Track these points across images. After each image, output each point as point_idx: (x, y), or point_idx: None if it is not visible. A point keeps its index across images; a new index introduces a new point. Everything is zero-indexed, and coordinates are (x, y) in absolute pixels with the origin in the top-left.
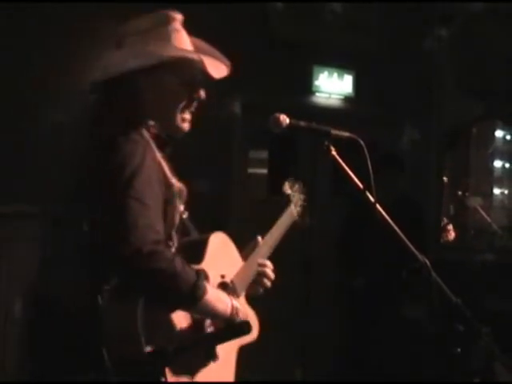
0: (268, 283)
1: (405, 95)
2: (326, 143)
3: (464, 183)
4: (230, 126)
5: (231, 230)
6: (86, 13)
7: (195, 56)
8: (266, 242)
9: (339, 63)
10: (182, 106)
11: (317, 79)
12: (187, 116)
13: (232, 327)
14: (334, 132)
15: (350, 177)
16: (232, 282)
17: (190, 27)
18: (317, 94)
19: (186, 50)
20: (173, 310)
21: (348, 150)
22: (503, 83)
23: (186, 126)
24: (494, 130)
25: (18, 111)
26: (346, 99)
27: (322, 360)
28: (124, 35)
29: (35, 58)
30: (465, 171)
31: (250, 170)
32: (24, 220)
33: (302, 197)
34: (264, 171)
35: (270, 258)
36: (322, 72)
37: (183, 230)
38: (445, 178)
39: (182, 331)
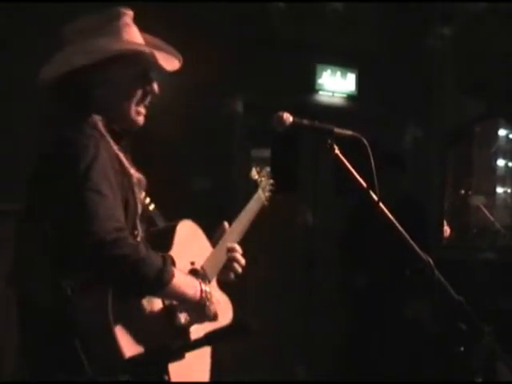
0: (239, 268)
1: (407, 94)
2: (329, 142)
3: (467, 182)
4: (232, 125)
5: None
6: (86, 13)
7: (145, 49)
8: (235, 229)
9: (342, 62)
10: (135, 99)
11: (320, 77)
12: (142, 109)
13: (233, 326)
14: (337, 130)
15: (353, 176)
16: (202, 268)
17: (193, 27)
18: (320, 92)
19: (136, 43)
20: (141, 296)
21: (351, 148)
22: (505, 82)
23: (140, 119)
24: (497, 129)
25: (19, 110)
26: (349, 98)
27: (323, 359)
28: (73, 32)
29: (35, 57)
30: (468, 170)
31: None
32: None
33: (269, 181)
34: (267, 170)
35: (271, 255)
36: (325, 70)
37: (150, 221)
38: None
39: (154, 318)
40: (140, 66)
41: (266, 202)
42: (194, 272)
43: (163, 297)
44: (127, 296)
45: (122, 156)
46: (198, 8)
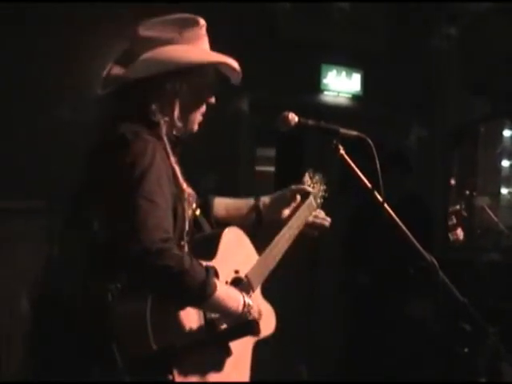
0: (326, 222)
1: (412, 94)
2: (335, 142)
3: (471, 183)
4: (237, 124)
5: None
6: (86, 13)
7: (229, 61)
8: (283, 235)
9: (347, 62)
10: (202, 109)
11: (325, 77)
12: (201, 118)
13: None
14: (343, 131)
15: (358, 176)
16: (246, 276)
17: None
18: (325, 92)
19: (218, 55)
20: (182, 307)
21: (356, 148)
22: (509, 82)
23: (196, 127)
24: (502, 130)
25: (19, 110)
26: (354, 98)
27: (324, 359)
28: (151, 34)
29: (35, 57)
30: (472, 171)
31: (258, 168)
32: (26, 217)
33: (322, 188)
34: (271, 169)
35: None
36: (331, 70)
37: (196, 227)
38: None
39: (193, 330)
40: (211, 77)
41: (318, 209)
42: (237, 281)
43: (205, 309)
44: (167, 305)
45: (177, 168)
46: (204, 8)
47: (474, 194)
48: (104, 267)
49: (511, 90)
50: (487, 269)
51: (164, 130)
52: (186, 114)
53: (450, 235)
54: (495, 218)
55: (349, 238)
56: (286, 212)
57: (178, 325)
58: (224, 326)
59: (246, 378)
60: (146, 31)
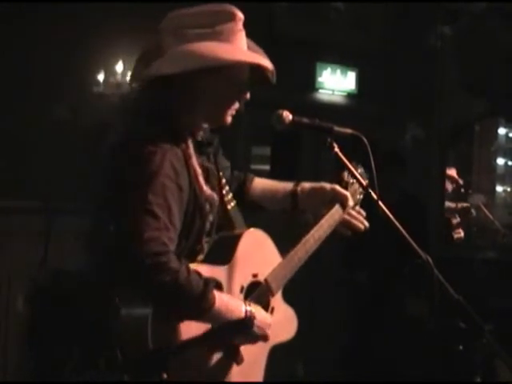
0: (360, 225)
1: (407, 93)
2: (329, 140)
3: (467, 181)
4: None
5: None
6: (86, 13)
7: (262, 61)
8: (313, 235)
9: (342, 60)
10: (234, 106)
11: (320, 76)
12: (233, 112)
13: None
14: (337, 129)
15: (353, 174)
16: (266, 280)
17: None
18: (320, 90)
19: (256, 56)
20: (180, 320)
21: (351, 146)
22: (505, 81)
23: (229, 119)
24: (497, 128)
25: (19, 109)
26: (349, 96)
27: (324, 359)
28: (182, 26)
29: (35, 57)
30: (468, 169)
31: (253, 167)
32: (24, 215)
33: (365, 182)
34: (267, 167)
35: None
36: (325, 69)
37: (228, 222)
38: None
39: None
40: (244, 74)
41: (355, 207)
42: (255, 285)
43: (205, 322)
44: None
45: (198, 170)
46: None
47: (470, 191)
48: (116, 271)
49: (506, 88)
50: (483, 266)
51: (187, 129)
52: (214, 112)
53: (453, 234)
54: (491, 216)
55: (346, 236)
56: (322, 209)
57: (179, 336)
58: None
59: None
60: (176, 24)
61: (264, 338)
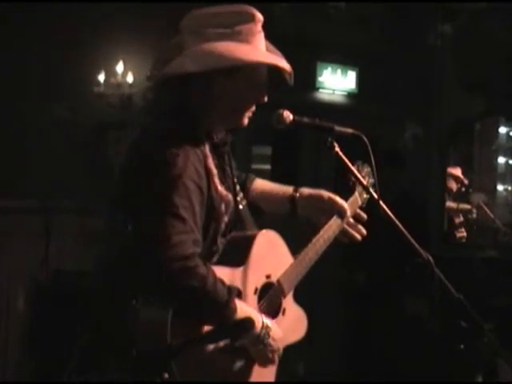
0: (357, 236)
1: (407, 92)
2: (330, 140)
3: (467, 180)
4: None
5: None
6: (86, 13)
7: (281, 63)
8: (322, 236)
9: (343, 59)
10: (252, 108)
11: (320, 75)
12: (250, 115)
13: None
14: (338, 128)
15: (354, 173)
16: (278, 281)
17: None
18: (320, 90)
19: (276, 58)
20: (201, 325)
21: (351, 146)
22: (505, 80)
23: (246, 121)
24: (498, 127)
25: (19, 109)
26: (350, 95)
27: (323, 359)
28: (202, 26)
29: (35, 57)
30: (468, 168)
31: (254, 166)
32: (24, 215)
33: (371, 182)
34: (267, 167)
35: None
36: (326, 68)
37: (239, 221)
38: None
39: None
40: (263, 76)
41: (363, 206)
42: (268, 286)
43: None
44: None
45: (214, 171)
46: (198, 7)
47: (470, 190)
48: (132, 273)
49: (506, 87)
50: (484, 266)
51: (205, 130)
52: (232, 113)
53: (456, 233)
54: (491, 215)
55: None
56: (322, 218)
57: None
58: (241, 344)
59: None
60: (199, 23)
61: (277, 351)
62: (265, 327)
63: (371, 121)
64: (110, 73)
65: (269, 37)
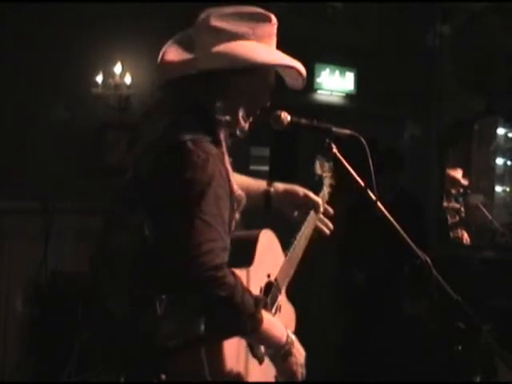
0: (326, 230)
1: (406, 93)
2: (328, 141)
3: (466, 180)
4: None
5: None
6: (85, 13)
7: (299, 66)
8: (303, 232)
9: (341, 60)
10: (256, 111)
11: (318, 76)
12: (251, 120)
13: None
14: (335, 129)
15: (352, 174)
16: (276, 279)
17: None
18: (318, 91)
19: (289, 58)
20: (227, 336)
21: (349, 147)
22: (504, 80)
23: (247, 126)
24: (496, 128)
25: (19, 109)
26: (348, 96)
27: (322, 359)
28: (219, 24)
29: (34, 57)
30: (466, 168)
31: (252, 168)
32: (24, 215)
33: (330, 176)
34: (266, 168)
35: None
36: (324, 69)
37: None
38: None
39: (235, 345)
40: (272, 80)
41: (327, 200)
42: (269, 285)
43: (247, 340)
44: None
45: (230, 170)
46: (198, 8)
47: (468, 191)
48: (154, 276)
49: (505, 87)
50: (482, 266)
51: (224, 131)
52: (245, 114)
53: (451, 233)
54: (489, 216)
55: (344, 235)
56: (295, 213)
57: (228, 351)
58: (264, 353)
59: None
60: (217, 21)
61: (300, 367)
62: (289, 340)
63: (369, 122)
64: (108, 74)
65: None
